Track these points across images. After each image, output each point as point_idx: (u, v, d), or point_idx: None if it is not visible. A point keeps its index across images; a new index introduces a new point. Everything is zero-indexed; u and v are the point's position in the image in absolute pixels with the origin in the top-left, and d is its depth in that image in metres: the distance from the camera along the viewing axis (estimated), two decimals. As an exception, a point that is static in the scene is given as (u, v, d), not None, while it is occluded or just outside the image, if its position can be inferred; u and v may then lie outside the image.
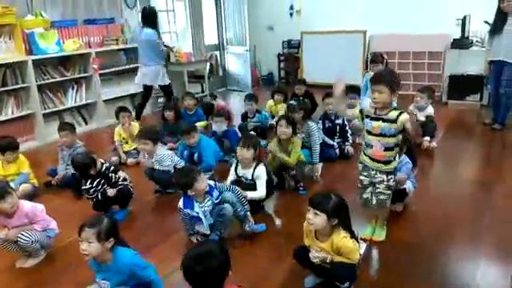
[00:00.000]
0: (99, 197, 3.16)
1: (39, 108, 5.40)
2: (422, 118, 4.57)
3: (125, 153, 4.62)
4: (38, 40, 5.30)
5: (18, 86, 5.19)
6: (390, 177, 2.59)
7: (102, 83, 6.17)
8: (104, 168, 3.21)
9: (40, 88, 5.44)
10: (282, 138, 3.54)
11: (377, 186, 2.61)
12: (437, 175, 4.05)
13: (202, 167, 3.51)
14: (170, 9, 7.91)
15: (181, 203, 2.78)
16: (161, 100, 7.11)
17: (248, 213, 2.92)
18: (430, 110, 4.63)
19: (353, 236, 2.13)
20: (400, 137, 2.49)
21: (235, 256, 2.46)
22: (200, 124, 4.93)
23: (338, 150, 4.32)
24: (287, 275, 2.48)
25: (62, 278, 2.58)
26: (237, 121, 5.45)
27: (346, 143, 4.40)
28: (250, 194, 3.07)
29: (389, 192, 2.62)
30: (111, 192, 3.17)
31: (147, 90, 5.99)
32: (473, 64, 5.96)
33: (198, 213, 2.71)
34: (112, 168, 3.28)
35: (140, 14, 6.25)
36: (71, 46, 5.69)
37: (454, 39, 6.41)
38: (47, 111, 5.58)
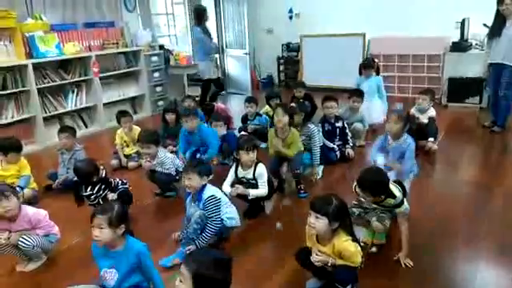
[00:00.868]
0: (100, 202, 3.16)
1: (39, 111, 5.40)
2: (425, 120, 4.58)
3: (126, 156, 4.63)
4: (37, 43, 5.31)
5: (18, 89, 5.19)
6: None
7: (102, 86, 6.18)
8: (105, 173, 3.20)
9: (40, 91, 5.44)
10: (278, 126, 3.51)
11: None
12: (437, 177, 4.05)
13: (208, 154, 3.51)
14: (170, 12, 7.94)
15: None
16: (160, 103, 7.13)
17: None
18: (432, 112, 4.64)
19: (354, 239, 2.12)
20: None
21: (237, 257, 2.48)
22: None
23: (338, 153, 4.33)
24: (289, 277, 2.48)
25: (63, 282, 2.57)
26: (237, 123, 5.46)
27: (347, 146, 4.41)
28: (253, 192, 3.08)
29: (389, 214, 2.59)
30: (111, 196, 3.16)
31: (204, 83, 6.62)
32: (472, 67, 5.97)
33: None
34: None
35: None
36: (71, 50, 5.70)
37: (454, 42, 6.42)
38: (47, 115, 5.58)
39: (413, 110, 4.69)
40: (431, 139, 4.45)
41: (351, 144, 4.46)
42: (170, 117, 4.98)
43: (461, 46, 6.31)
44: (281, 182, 3.69)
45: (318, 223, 2.06)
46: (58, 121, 5.78)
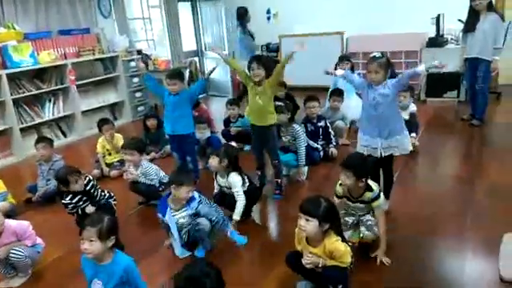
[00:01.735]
0: (79, 212, 3.07)
1: (16, 123, 5.25)
2: (406, 117, 4.62)
3: (108, 165, 4.53)
4: (11, 53, 5.17)
5: (-8, 100, 5.05)
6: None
7: (79, 94, 6.06)
8: (90, 185, 3.09)
9: (16, 102, 5.30)
10: (255, 80, 3.47)
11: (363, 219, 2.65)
12: (419, 172, 4.10)
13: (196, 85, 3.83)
14: (146, 16, 7.84)
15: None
16: (140, 109, 7.03)
17: (228, 220, 2.93)
18: (413, 108, 4.69)
19: (344, 240, 2.13)
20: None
21: (226, 263, 2.45)
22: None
23: (321, 153, 4.33)
24: (279, 281, 2.47)
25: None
26: (219, 125, 5.40)
27: (330, 145, 4.42)
28: (236, 212, 3.02)
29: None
30: (89, 209, 3.04)
31: None
32: (449, 62, 6.06)
33: (167, 220, 2.73)
34: (98, 186, 3.18)
35: None
36: (46, 58, 5.57)
37: (430, 38, 6.53)
38: (24, 126, 5.43)
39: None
40: (413, 135, 4.49)
41: (334, 143, 4.47)
42: (151, 122, 4.92)
43: (437, 42, 6.43)
44: (263, 175, 3.68)
45: (308, 225, 2.06)
46: (35, 131, 5.63)
